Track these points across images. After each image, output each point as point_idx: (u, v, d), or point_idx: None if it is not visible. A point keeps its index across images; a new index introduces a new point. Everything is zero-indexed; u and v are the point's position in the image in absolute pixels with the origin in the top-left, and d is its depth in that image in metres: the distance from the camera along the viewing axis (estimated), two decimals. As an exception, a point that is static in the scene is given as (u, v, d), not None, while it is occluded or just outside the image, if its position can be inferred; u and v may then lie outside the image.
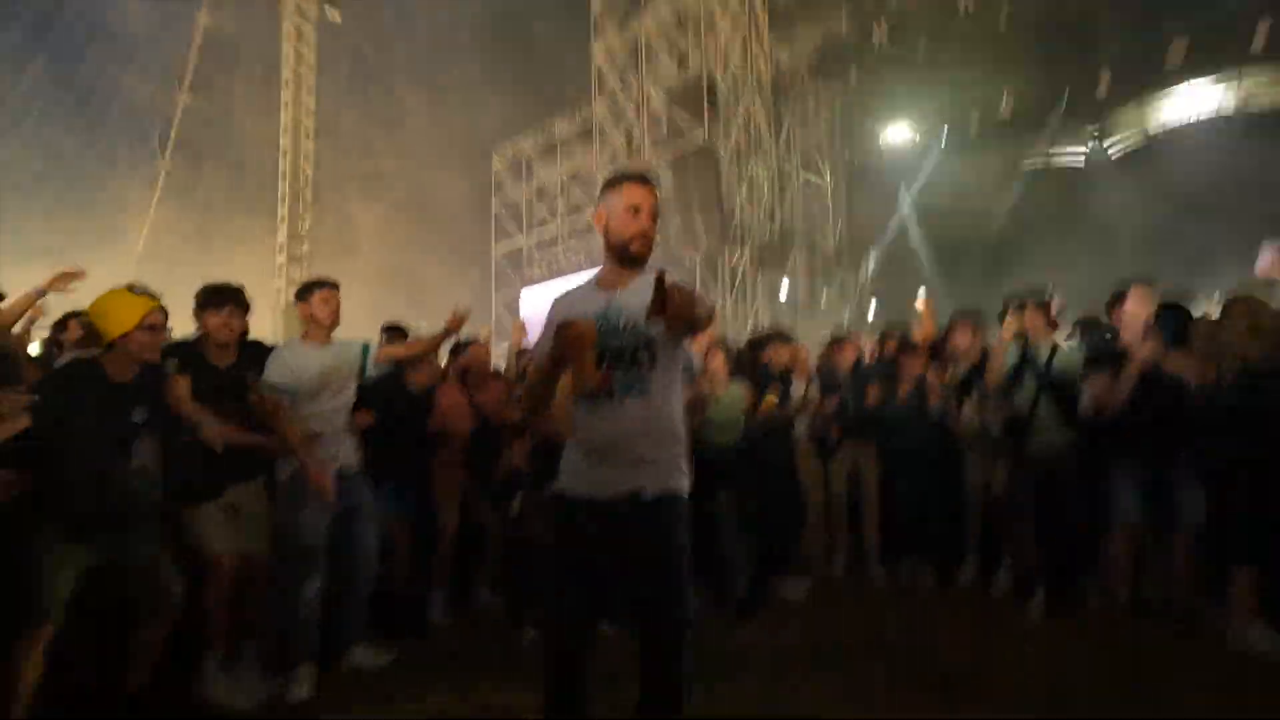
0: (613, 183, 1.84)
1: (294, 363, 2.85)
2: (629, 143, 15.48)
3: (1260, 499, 2.93)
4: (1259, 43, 9.88)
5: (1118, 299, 3.58)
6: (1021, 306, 3.77)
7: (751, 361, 4.14)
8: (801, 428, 4.34)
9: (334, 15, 13.86)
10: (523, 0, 17.73)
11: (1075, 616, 3.45)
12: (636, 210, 1.78)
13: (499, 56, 17.59)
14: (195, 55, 15.17)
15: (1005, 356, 3.77)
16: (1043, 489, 3.68)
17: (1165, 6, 9.91)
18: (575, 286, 1.93)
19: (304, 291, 3.05)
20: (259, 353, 2.94)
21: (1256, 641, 2.87)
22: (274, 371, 2.81)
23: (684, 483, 1.77)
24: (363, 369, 3.06)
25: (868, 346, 5.08)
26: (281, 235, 14.05)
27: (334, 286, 3.05)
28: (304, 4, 12.90)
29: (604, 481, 1.73)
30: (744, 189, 14.37)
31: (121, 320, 2.37)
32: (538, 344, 1.87)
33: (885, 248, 14.61)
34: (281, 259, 14.20)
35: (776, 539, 3.97)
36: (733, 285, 14.10)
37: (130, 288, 2.50)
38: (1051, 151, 12.23)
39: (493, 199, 19.57)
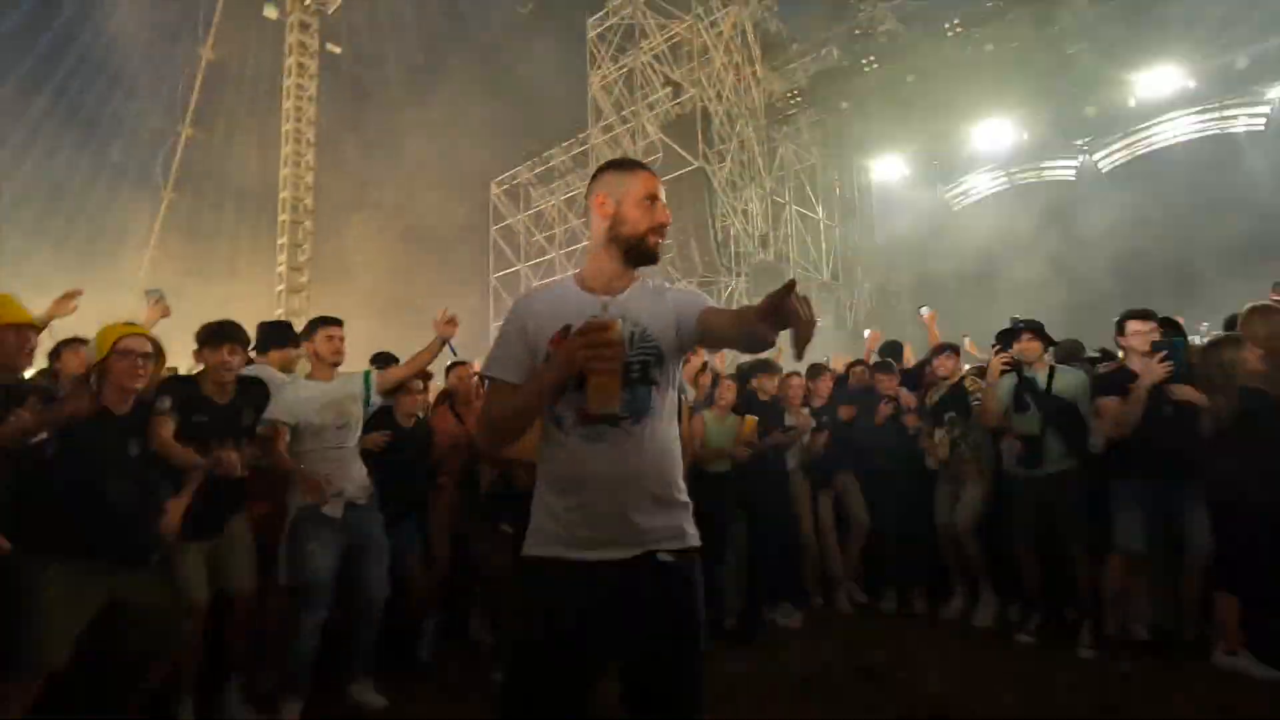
0: (624, 165, 1.53)
1: (295, 399, 2.91)
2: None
3: (1253, 527, 2.95)
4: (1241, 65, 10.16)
5: (1119, 326, 3.56)
6: (1010, 336, 3.76)
7: (740, 391, 4.18)
8: (794, 457, 4.37)
9: (334, 48, 14.16)
10: (521, 32, 18.08)
11: (1066, 646, 3.42)
12: (653, 199, 1.47)
13: (497, 87, 17.91)
14: (198, 87, 15.49)
15: (999, 390, 3.78)
16: (1042, 516, 3.63)
17: (1144, 31, 10.15)
18: (545, 285, 1.64)
19: (309, 329, 3.13)
20: (258, 390, 2.99)
21: (1242, 667, 2.91)
22: (275, 410, 2.87)
23: (695, 531, 1.46)
24: (367, 398, 3.11)
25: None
26: (281, 265, 14.19)
27: (338, 324, 3.12)
28: (305, 38, 13.16)
29: (606, 538, 1.37)
30: (738, 216, 14.57)
31: (100, 347, 2.34)
32: (497, 359, 1.47)
33: (878, 277, 14.79)
34: (281, 288, 14.32)
35: (770, 568, 3.99)
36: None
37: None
38: (1043, 166, 12.49)
39: (490, 227, 19.82)
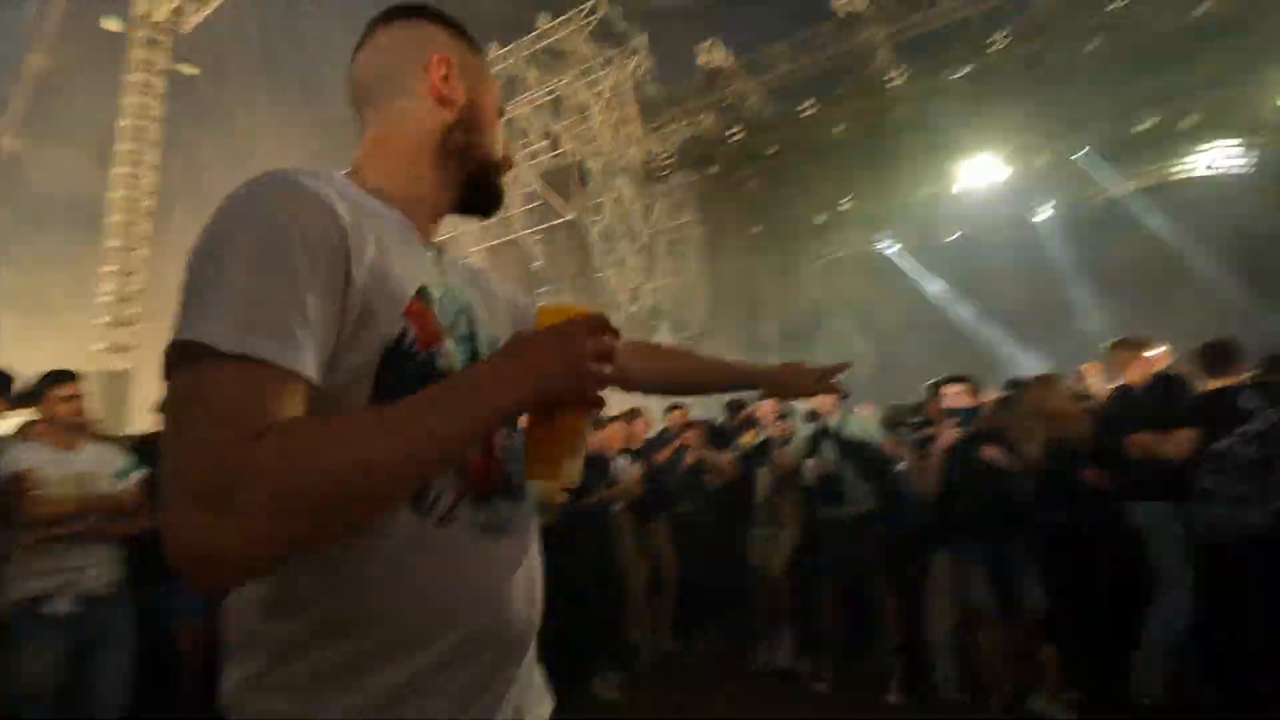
0: (470, 40, 0.92)
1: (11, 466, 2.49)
2: (501, 218, 15.68)
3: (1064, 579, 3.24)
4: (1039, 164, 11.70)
5: (935, 391, 3.92)
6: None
7: None
8: (620, 506, 4.40)
9: (189, 69, 13.29)
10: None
11: (868, 693, 3.58)
12: (501, 118, 0.96)
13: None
14: (25, 97, 13.99)
15: (797, 436, 4.06)
16: (845, 560, 3.78)
17: (963, 128, 11.49)
18: (320, 176, 0.75)
19: (39, 387, 2.69)
20: None
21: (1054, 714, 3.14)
22: None
23: None
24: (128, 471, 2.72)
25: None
26: (108, 295, 12.82)
27: (74, 379, 2.75)
28: (152, 55, 12.28)
29: (477, 688, 0.75)
30: (613, 268, 14.85)
31: None
32: (271, 312, 0.63)
33: (745, 332, 15.50)
34: (105, 320, 12.91)
35: (590, 624, 3.90)
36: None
37: None
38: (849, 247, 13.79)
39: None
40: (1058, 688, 3.24)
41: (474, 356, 0.82)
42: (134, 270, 12.92)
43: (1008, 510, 3.40)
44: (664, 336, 15.42)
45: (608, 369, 0.75)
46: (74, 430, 2.69)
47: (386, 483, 0.64)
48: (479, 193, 0.91)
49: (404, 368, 0.72)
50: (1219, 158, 11.17)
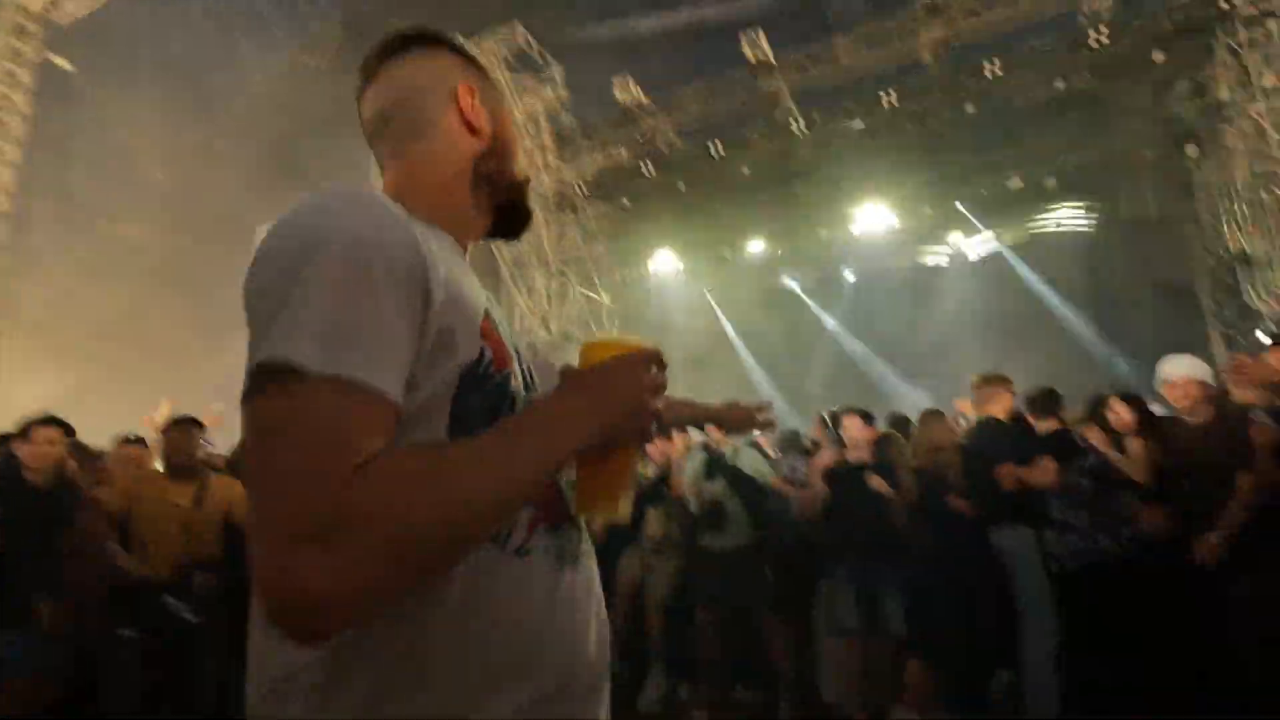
0: (481, 67, 0.93)
1: None
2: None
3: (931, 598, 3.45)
4: (928, 212, 12.74)
5: (835, 419, 4.17)
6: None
7: None
8: None
9: (62, 62, 12.23)
10: (309, 84, 17.17)
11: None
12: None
13: (272, 132, 16.65)
14: None
15: (691, 464, 4.17)
16: (723, 591, 3.89)
17: (857, 174, 12.34)
18: (384, 205, 0.72)
19: None
20: None
21: None
22: None
23: None
24: None
25: None
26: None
27: None
28: (20, 44, 11.22)
29: None
30: (523, 294, 14.76)
31: None
32: (376, 340, 0.62)
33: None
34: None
35: None
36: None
37: None
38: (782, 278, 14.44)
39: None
40: (924, 702, 3.44)
41: (525, 380, 0.82)
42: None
43: (881, 536, 3.68)
44: (574, 363, 15.40)
45: (660, 404, 0.75)
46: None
47: (489, 521, 0.63)
48: (512, 216, 0.93)
49: (481, 389, 0.71)
50: (1067, 217, 12.56)
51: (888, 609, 3.71)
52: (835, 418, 4.22)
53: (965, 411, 5.20)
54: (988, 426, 3.78)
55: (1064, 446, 3.47)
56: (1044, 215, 12.73)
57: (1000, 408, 3.82)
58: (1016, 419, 3.76)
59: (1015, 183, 12.04)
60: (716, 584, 3.87)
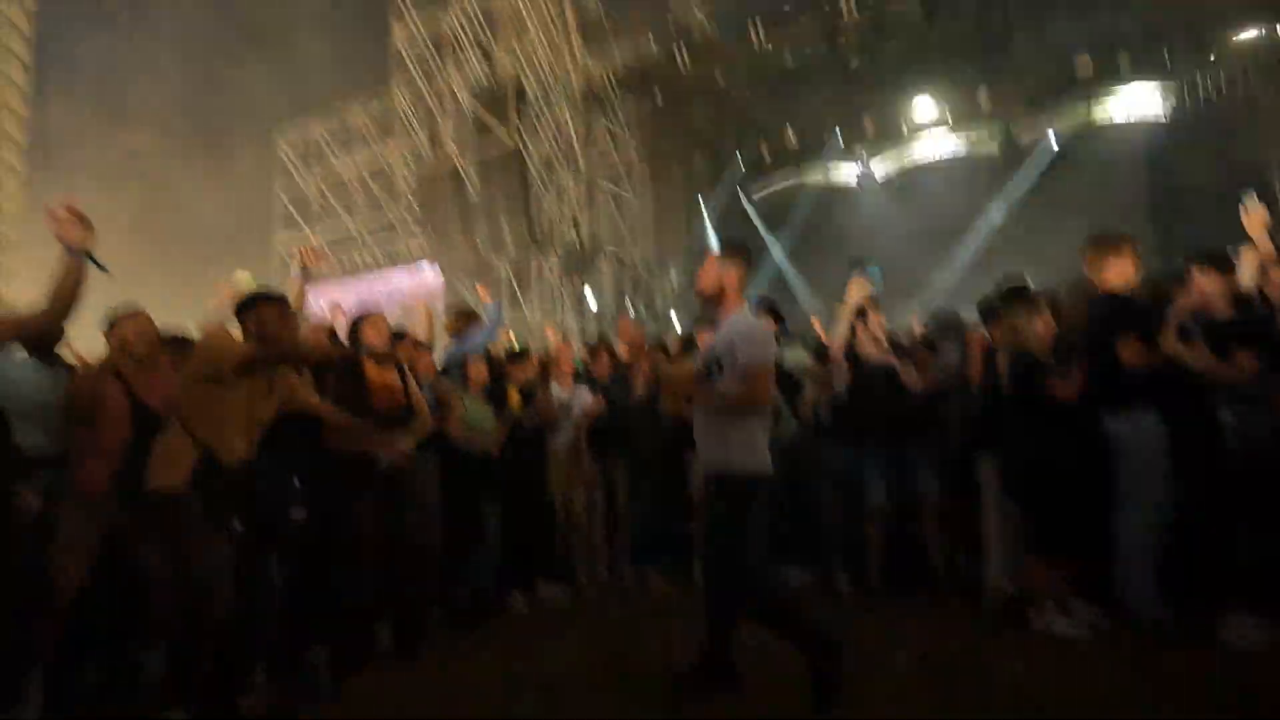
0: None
1: None
2: (432, 140, 14.66)
3: (1053, 494, 3.23)
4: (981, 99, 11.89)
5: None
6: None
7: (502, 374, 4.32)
8: (565, 436, 4.44)
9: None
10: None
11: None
12: None
13: (281, 23, 15.77)
14: None
15: None
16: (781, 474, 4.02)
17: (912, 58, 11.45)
18: None
19: None
20: None
21: (1054, 625, 3.14)
22: None
23: None
24: None
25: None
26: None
27: None
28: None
29: None
30: (551, 197, 14.25)
31: None
32: None
33: (687, 263, 15.32)
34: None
35: (521, 547, 4.10)
36: (540, 291, 13.93)
37: None
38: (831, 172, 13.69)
39: (275, 187, 17.60)
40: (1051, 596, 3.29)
41: None
42: (1, 182, 11.28)
43: (902, 415, 3.90)
44: (605, 272, 15.07)
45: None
46: None
47: None
48: None
49: None
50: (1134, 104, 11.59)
51: (924, 483, 3.87)
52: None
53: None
54: (1107, 302, 3.26)
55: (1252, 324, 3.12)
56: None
57: (1119, 275, 3.25)
58: (1157, 286, 3.40)
59: (1083, 67, 11.11)
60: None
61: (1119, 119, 11.74)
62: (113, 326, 2.88)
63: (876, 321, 4.03)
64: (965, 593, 3.72)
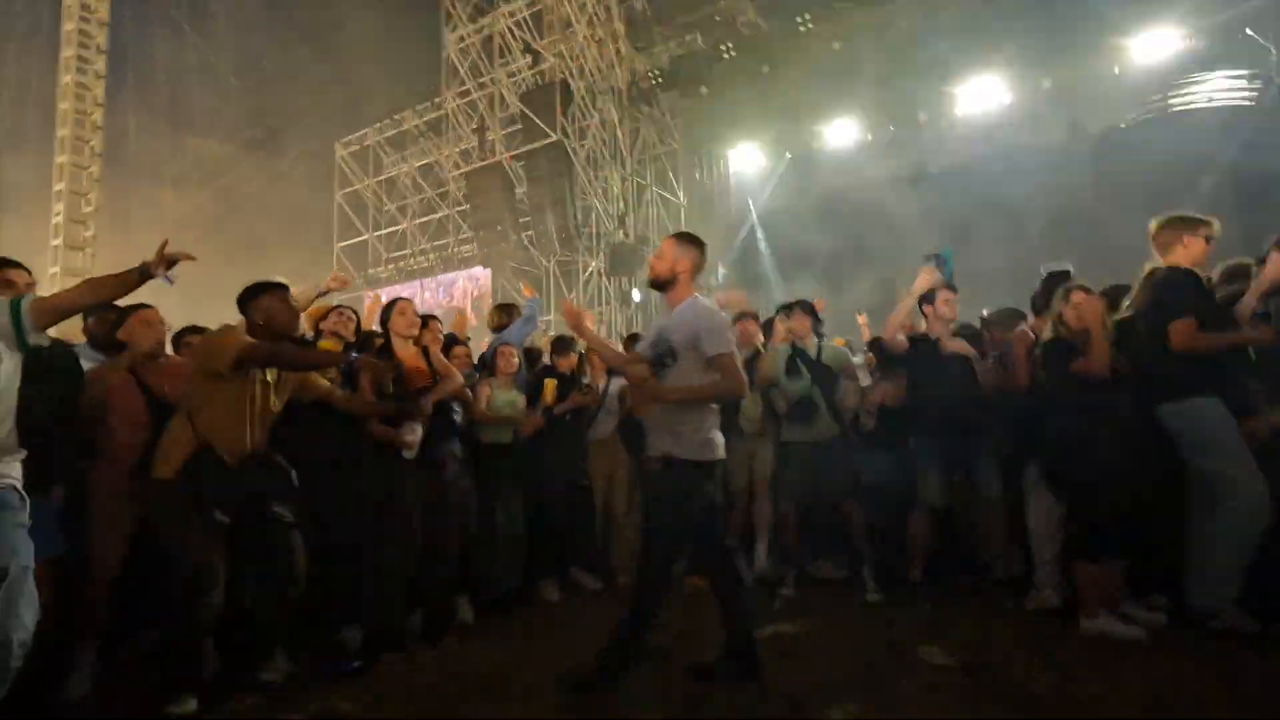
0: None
1: None
2: (481, 139, 14.90)
3: (1106, 495, 2.98)
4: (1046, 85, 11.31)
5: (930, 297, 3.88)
6: (790, 310, 4.14)
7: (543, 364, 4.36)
8: (604, 425, 4.42)
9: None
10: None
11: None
12: None
13: (340, 38, 16.33)
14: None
15: (777, 354, 4.12)
16: (809, 478, 3.94)
17: (968, 45, 11.00)
18: None
19: None
20: None
21: (1106, 628, 2.95)
22: None
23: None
24: (21, 339, 2.06)
25: None
26: (58, 216, 11.96)
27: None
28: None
29: None
30: (598, 195, 14.30)
31: None
32: None
33: (733, 260, 15.14)
34: (57, 242, 12.08)
35: (552, 538, 4.05)
36: (585, 288, 13.99)
37: None
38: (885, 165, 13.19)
39: (336, 193, 18.22)
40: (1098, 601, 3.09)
41: None
42: (87, 191, 12.03)
43: (970, 409, 3.67)
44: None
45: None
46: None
47: None
48: None
49: None
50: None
51: (983, 477, 3.71)
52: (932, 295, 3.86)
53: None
54: (1168, 280, 3.00)
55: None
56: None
57: (1187, 257, 3.03)
58: (1234, 271, 3.14)
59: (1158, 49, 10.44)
60: (798, 473, 3.95)
61: (1200, 104, 11.02)
62: (122, 321, 2.98)
63: (944, 301, 3.80)
64: (1014, 593, 3.52)
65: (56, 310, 2.15)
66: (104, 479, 2.80)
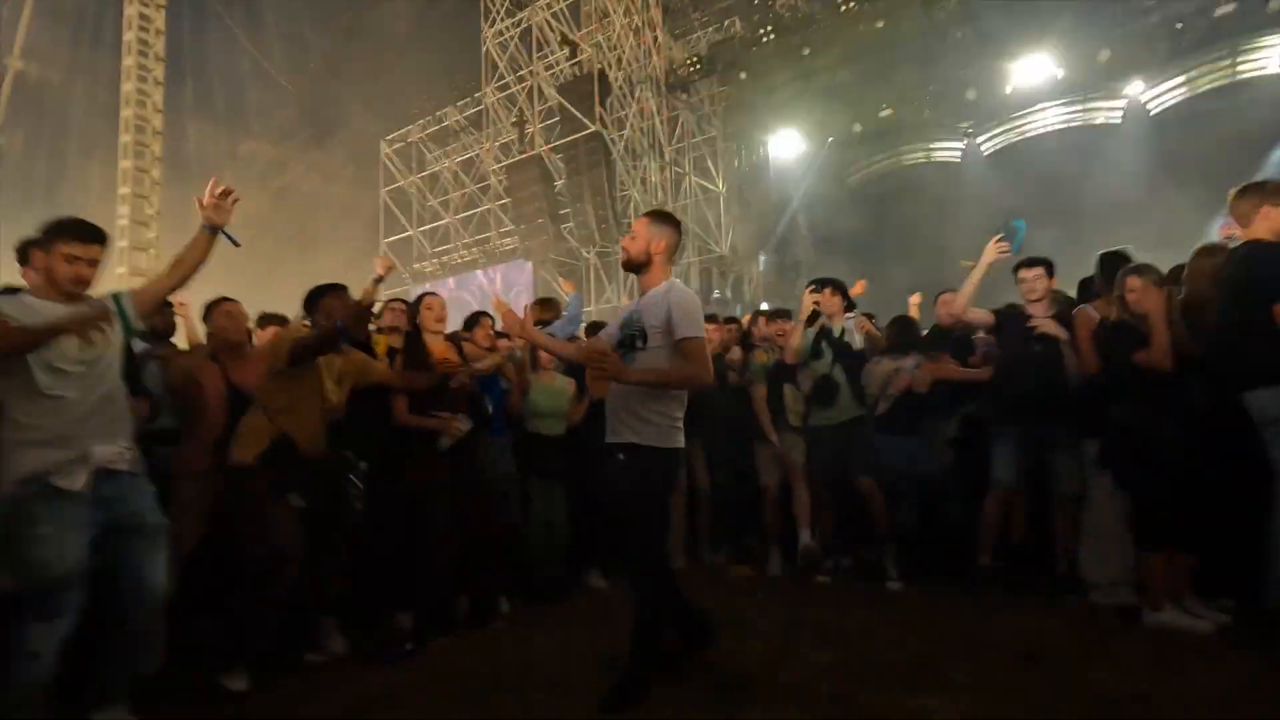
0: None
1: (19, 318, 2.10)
2: (520, 132, 15.02)
3: (1170, 486, 2.85)
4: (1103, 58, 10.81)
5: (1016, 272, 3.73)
6: (821, 287, 4.07)
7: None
8: None
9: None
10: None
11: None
12: None
13: (384, 39, 16.64)
14: (28, 14, 13.41)
15: (803, 333, 4.06)
16: (836, 461, 3.94)
17: (1020, 20, 10.56)
18: None
19: (44, 241, 2.24)
20: None
21: (1171, 622, 2.85)
22: None
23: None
24: (127, 326, 2.30)
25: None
26: (123, 218, 12.55)
27: (91, 240, 2.23)
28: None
29: None
30: (637, 185, 14.27)
31: None
32: None
33: (775, 249, 14.95)
34: (123, 244, 12.69)
35: (591, 533, 4.01)
36: (625, 280, 13.99)
37: None
38: (932, 147, 12.84)
39: (381, 189, 18.62)
40: (1165, 594, 2.95)
41: None
42: (149, 194, 12.58)
43: (1053, 395, 3.43)
44: (690, 258, 14.95)
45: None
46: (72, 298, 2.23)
47: None
48: None
49: None
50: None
51: (1059, 467, 3.44)
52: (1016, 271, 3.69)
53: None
54: (1253, 252, 2.71)
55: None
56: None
57: (1268, 226, 2.73)
58: None
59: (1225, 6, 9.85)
60: (825, 457, 3.97)
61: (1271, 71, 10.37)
62: (209, 314, 3.17)
63: (1033, 275, 3.57)
64: (1078, 586, 3.38)
65: (156, 297, 2.41)
66: (190, 459, 2.97)
